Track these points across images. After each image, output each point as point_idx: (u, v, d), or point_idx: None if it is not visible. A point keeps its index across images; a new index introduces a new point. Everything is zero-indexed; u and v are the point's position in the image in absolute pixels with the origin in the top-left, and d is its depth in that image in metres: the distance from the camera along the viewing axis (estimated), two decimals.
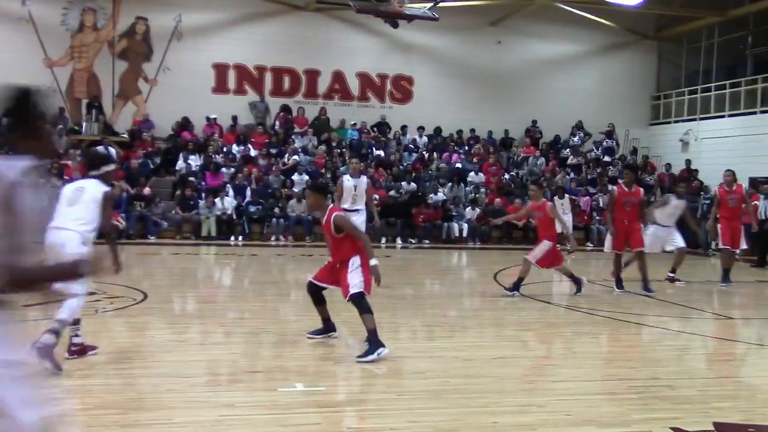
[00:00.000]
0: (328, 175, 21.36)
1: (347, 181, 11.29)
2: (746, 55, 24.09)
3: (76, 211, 6.11)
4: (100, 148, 7.37)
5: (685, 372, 7.09)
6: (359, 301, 6.84)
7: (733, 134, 22.77)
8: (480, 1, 23.95)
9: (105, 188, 6.30)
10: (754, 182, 20.82)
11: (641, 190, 11.91)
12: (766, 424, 5.32)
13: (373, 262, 6.87)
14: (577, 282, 11.22)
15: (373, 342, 6.77)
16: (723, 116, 23.57)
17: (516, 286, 10.74)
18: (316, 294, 7.39)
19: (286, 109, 23.60)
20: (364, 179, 11.40)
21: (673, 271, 12.91)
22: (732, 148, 22.47)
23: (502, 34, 25.28)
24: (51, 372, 5.63)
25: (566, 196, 20.13)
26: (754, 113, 22.39)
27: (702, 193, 21.69)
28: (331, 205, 7.42)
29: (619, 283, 11.76)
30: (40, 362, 5.45)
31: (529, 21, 24.93)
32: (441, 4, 20.48)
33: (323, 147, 22.68)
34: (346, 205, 10.64)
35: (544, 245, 10.76)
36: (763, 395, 6.24)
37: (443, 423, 5.03)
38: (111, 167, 6.62)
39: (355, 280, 6.85)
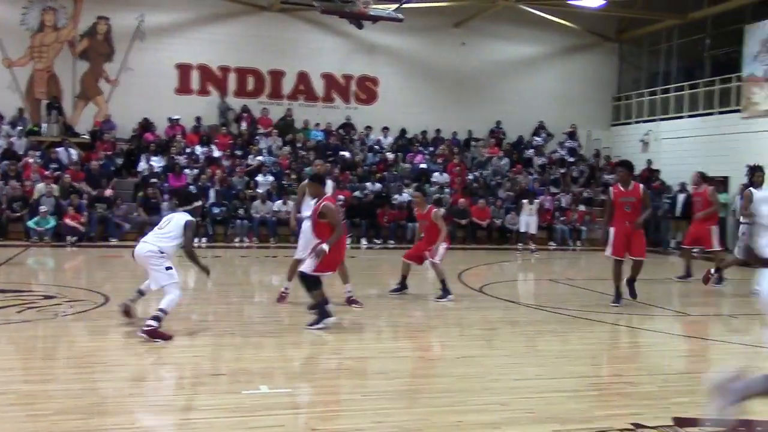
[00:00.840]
0: (293, 177, 21.31)
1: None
2: (704, 58, 24.53)
3: (162, 232, 7.93)
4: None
5: (645, 368, 7.21)
6: (305, 279, 8.05)
7: (692, 135, 23.17)
8: (444, 3, 24.06)
9: (189, 218, 8.01)
10: (712, 182, 21.19)
11: (641, 186, 10.63)
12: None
13: (324, 247, 7.97)
14: (403, 286, 10.78)
15: (321, 314, 7.95)
16: (682, 117, 23.96)
17: (446, 289, 10.48)
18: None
19: (245, 110, 23.45)
20: (328, 183, 9.97)
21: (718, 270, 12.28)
22: (691, 148, 22.87)
23: (466, 36, 25.43)
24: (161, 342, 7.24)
25: (535, 200, 20.37)
26: (712, 114, 22.81)
27: (663, 192, 22.05)
28: (328, 194, 8.47)
29: (618, 298, 10.45)
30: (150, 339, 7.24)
31: (493, 22, 25.11)
32: (405, 6, 20.51)
33: (287, 148, 22.60)
34: (309, 212, 9.35)
35: (442, 246, 10.48)
36: None
37: (408, 423, 5.06)
38: (198, 203, 8.65)
39: (310, 261, 8.06)
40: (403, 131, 24.62)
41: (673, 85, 24.75)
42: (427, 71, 25.25)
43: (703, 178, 14.73)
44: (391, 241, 20.16)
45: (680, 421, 5.24)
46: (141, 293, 8.14)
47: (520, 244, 20.15)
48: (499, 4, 23.62)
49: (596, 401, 5.78)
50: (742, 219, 11.96)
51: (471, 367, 6.92)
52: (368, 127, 24.30)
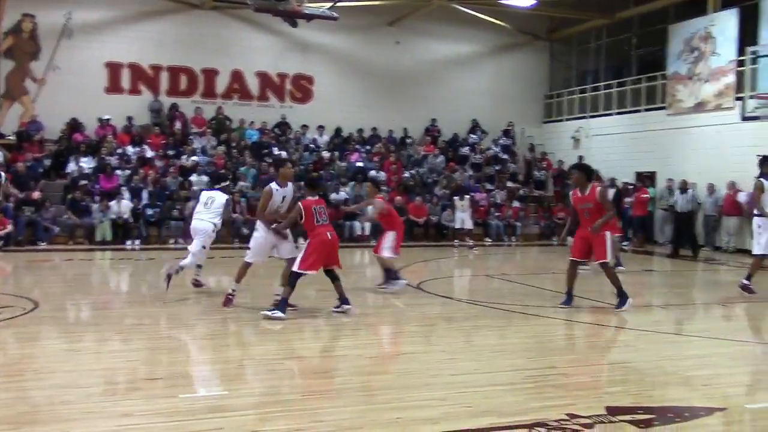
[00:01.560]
0: (229, 176, 21.05)
1: (276, 190, 9.34)
2: (631, 56, 25.22)
3: (210, 210, 10.42)
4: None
5: (578, 360, 7.39)
6: (291, 276, 8.85)
7: (621, 131, 23.81)
8: (378, 2, 24.12)
9: (227, 196, 10.63)
10: (641, 176, 21.88)
11: (597, 189, 9.86)
12: (654, 406, 5.62)
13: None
14: (392, 277, 11.29)
15: (280, 305, 8.64)
16: (611, 114, 24.60)
17: (395, 276, 11.04)
18: (328, 274, 9.28)
19: (174, 107, 23.02)
20: (290, 187, 9.70)
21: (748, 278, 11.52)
22: (620, 144, 23.51)
23: (401, 34, 25.56)
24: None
25: (466, 197, 20.65)
26: (639, 111, 23.48)
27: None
28: (306, 198, 9.17)
29: (569, 299, 10.12)
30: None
31: (427, 21, 25.30)
32: (339, 4, 20.47)
33: (222, 147, 22.33)
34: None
35: (390, 235, 11.22)
36: (650, 378, 6.57)
37: (347, 421, 5.07)
38: (227, 183, 11.33)
39: (299, 257, 8.88)
40: (339, 130, 24.60)
41: (602, 83, 25.38)
42: (362, 70, 25.29)
43: (598, 176, 15.54)
44: None
45: (613, 410, 5.38)
46: (199, 267, 10.75)
47: (456, 241, 20.37)
48: (432, 3, 23.81)
49: (532, 393, 5.89)
50: (755, 212, 11.26)
51: (409, 363, 6.97)
52: (304, 126, 24.20)
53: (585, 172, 10.10)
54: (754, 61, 17.25)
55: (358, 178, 22.08)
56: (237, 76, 24.11)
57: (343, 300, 9.26)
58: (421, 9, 24.40)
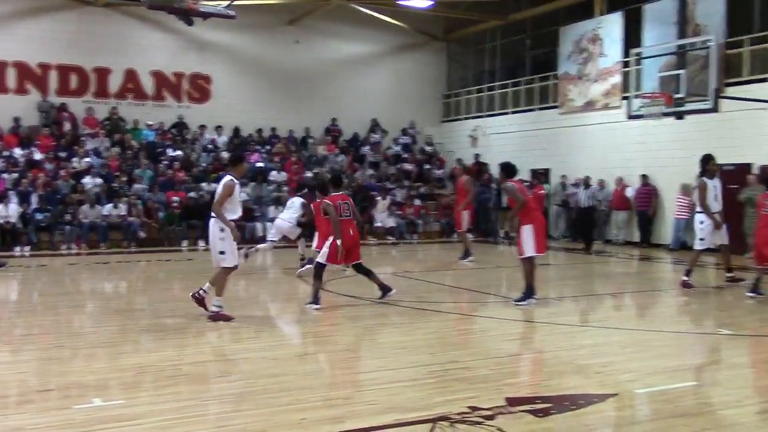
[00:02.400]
0: (123, 179, 20.44)
1: (237, 184, 9.15)
2: (525, 57, 25.96)
3: (292, 210, 13.90)
4: None
5: (479, 353, 7.56)
6: (317, 269, 9.59)
7: (516, 130, 24.48)
8: (276, 0, 23.90)
9: (302, 200, 13.60)
10: (536, 173, 22.58)
11: (505, 185, 10.52)
12: (552, 395, 5.81)
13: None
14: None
15: (313, 297, 9.42)
16: (507, 113, 25.26)
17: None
18: (358, 269, 10.11)
19: (62, 107, 22.09)
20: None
21: (729, 270, 11.89)
22: (515, 142, 24.16)
23: (300, 34, 25.43)
24: None
25: (389, 196, 20.85)
26: (533, 110, 24.20)
27: (492, 184, 23.07)
28: (331, 195, 9.95)
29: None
30: None
31: (326, 21, 25.27)
32: (237, 2, 20.20)
33: (116, 149, 21.62)
34: (234, 216, 9.03)
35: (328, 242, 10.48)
36: (548, 369, 6.81)
37: (251, 425, 5.01)
38: (305, 191, 14.38)
39: (324, 250, 9.59)
40: (237, 130, 24.26)
41: (497, 83, 26.00)
42: (261, 69, 25.02)
43: (464, 169, 16.86)
44: None
45: (512, 401, 5.54)
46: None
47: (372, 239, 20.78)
48: (331, 2, 23.80)
49: (435, 388, 5.99)
50: (698, 209, 11.52)
51: (313, 363, 6.96)
52: (202, 126, 23.72)
53: (504, 171, 10.57)
54: (638, 62, 18.07)
55: (259, 179, 21.85)
56: (131, 76, 23.37)
57: (384, 288, 10.09)
58: (320, 8, 24.35)
